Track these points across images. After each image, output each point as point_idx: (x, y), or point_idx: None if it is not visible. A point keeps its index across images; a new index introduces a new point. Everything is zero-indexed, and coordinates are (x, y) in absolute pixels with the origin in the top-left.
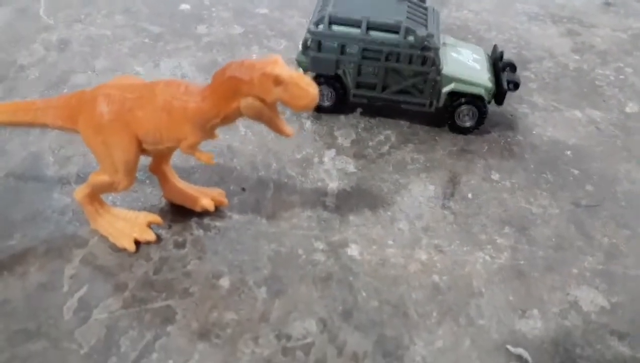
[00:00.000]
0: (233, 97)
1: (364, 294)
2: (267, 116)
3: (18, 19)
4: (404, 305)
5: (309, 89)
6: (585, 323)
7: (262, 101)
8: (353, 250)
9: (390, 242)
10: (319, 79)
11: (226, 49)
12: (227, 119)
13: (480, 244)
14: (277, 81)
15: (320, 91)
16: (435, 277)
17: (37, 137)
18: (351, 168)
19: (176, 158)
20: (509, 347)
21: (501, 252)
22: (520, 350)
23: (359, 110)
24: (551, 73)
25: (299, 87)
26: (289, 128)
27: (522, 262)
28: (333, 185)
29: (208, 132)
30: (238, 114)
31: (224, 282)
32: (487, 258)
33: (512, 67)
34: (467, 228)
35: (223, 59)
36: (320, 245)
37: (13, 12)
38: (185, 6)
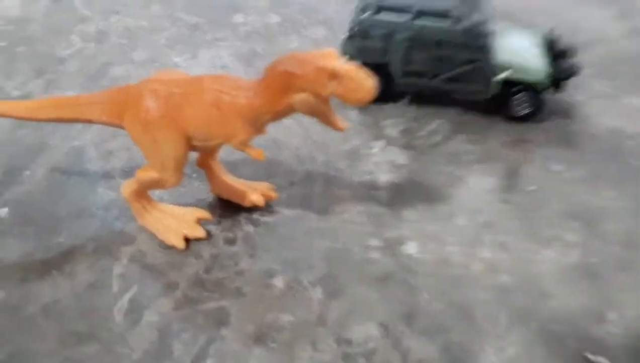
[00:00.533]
0: (286, 92)
1: (425, 296)
2: (321, 111)
3: (54, 10)
4: (469, 307)
5: (365, 83)
6: None
7: (316, 95)
8: (410, 248)
9: (450, 239)
10: (364, 67)
11: (264, 39)
12: (280, 115)
13: (547, 241)
14: (333, 75)
15: None
16: (501, 277)
17: (80, 131)
18: (402, 159)
19: (222, 152)
20: (588, 354)
21: (570, 249)
22: (600, 359)
23: (407, 98)
24: (605, 58)
25: (355, 80)
26: (343, 122)
27: (593, 260)
28: (384, 178)
29: (259, 128)
30: (291, 109)
31: (278, 282)
32: (555, 255)
33: (570, 51)
34: (530, 223)
35: (262, 49)
36: (375, 242)
37: (49, 3)
38: None
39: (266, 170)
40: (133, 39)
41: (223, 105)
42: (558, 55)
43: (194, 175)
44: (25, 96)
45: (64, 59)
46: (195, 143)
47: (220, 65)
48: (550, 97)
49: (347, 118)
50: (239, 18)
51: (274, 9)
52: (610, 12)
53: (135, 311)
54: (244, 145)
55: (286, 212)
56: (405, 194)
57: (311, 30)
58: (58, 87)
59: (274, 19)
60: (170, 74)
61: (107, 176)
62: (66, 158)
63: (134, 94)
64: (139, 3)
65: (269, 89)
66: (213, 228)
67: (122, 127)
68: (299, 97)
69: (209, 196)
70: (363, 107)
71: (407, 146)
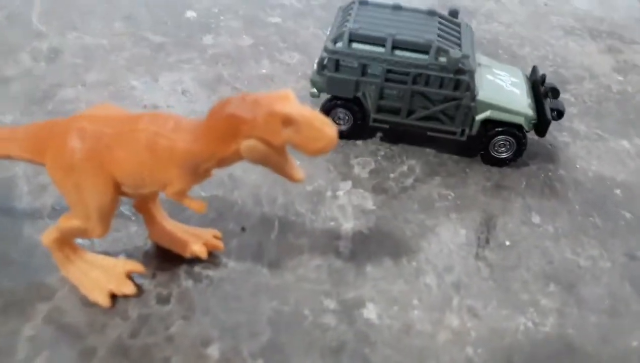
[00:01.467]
0: (232, 138)
1: None
2: (273, 160)
3: (8, 25)
4: None
5: (326, 130)
6: None
7: (268, 143)
8: (370, 312)
9: (415, 302)
10: (335, 101)
11: (233, 63)
12: (224, 163)
13: (522, 306)
14: (287, 121)
15: (336, 113)
16: (469, 350)
17: (12, 161)
18: (369, 204)
19: None
20: None
21: (546, 317)
22: None
23: (379, 135)
24: (592, 96)
25: (314, 127)
26: (299, 173)
27: (571, 331)
28: (348, 226)
29: (200, 175)
30: (238, 157)
31: (213, 351)
32: (530, 324)
33: (555, 92)
34: (505, 285)
35: (229, 74)
36: (330, 304)
37: (3, 18)
38: (191, 14)
39: (217, 212)
40: (89, 59)
41: (158, 149)
42: (542, 95)
43: (132, 218)
44: None
45: (9, 78)
46: (126, 189)
47: (181, 90)
48: (533, 137)
49: None
50: (208, 39)
51: (248, 30)
52: (598, 45)
53: None
54: (180, 195)
55: (233, 265)
56: (370, 245)
57: (286, 55)
58: None
59: (247, 41)
60: (105, 110)
61: (36, 215)
62: None
63: (59, 132)
64: (101, 20)
65: (212, 133)
66: (146, 282)
67: (45, 166)
68: (248, 144)
69: (146, 243)
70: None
71: (377, 189)
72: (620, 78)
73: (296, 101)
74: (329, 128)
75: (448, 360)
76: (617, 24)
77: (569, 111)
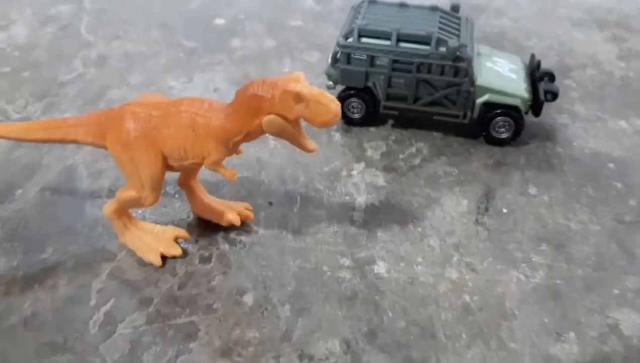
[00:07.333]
0: (255, 114)
1: (390, 314)
2: (289, 132)
3: (61, 36)
4: (432, 326)
5: (331, 105)
6: (626, 349)
7: (284, 118)
8: (380, 267)
9: (420, 259)
10: (348, 91)
11: (258, 63)
12: (250, 136)
13: (515, 262)
14: (298, 98)
15: (350, 103)
16: (466, 297)
17: (73, 151)
18: (380, 181)
19: (205, 173)
20: None
21: (537, 271)
22: None
23: (390, 122)
24: (595, 81)
25: (321, 103)
26: (312, 144)
27: (558, 282)
28: (361, 199)
29: (231, 148)
30: (260, 131)
31: (248, 299)
32: (522, 277)
33: (551, 76)
34: (501, 245)
35: (255, 73)
36: (346, 262)
37: (57, 30)
38: (220, 21)
39: (247, 190)
40: (131, 64)
41: (197, 126)
42: (539, 78)
43: (176, 196)
44: (24, 119)
45: (65, 83)
46: (172, 162)
47: (214, 88)
48: (534, 119)
49: (331, 140)
50: (235, 43)
51: (271, 33)
52: (604, 35)
53: (109, 323)
54: (216, 165)
55: (263, 231)
56: (381, 215)
57: (306, 54)
58: (57, 110)
59: (270, 43)
60: (151, 98)
61: (95, 195)
62: (58, 177)
63: (115, 117)
64: (140, 28)
65: (239, 111)
66: (190, 247)
67: (105, 148)
68: (268, 119)
69: (189, 215)
70: (336, 125)
71: (387, 168)
72: (623, 65)
73: (306, 82)
74: (333, 104)
75: (447, 305)
76: (626, 14)
77: (571, 95)
